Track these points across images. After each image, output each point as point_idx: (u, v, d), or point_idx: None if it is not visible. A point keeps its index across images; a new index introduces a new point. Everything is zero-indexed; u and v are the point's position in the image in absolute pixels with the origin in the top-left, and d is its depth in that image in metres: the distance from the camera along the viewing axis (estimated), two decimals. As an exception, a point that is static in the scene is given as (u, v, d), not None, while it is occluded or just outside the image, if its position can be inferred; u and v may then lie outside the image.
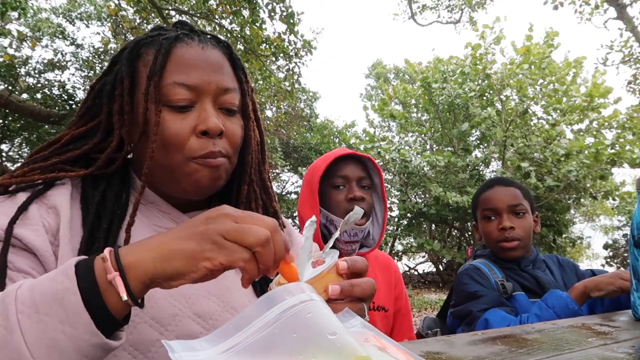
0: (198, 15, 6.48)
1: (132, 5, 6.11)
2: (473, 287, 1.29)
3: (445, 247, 7.34)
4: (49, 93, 8.79)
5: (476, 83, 6.16)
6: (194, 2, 6.51)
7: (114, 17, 7.20)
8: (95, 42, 9.78)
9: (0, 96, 6.03)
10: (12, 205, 0.61)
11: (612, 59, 9.24)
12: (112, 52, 8.27)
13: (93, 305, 0.43)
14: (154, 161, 0.65)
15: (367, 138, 7.03)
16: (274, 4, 6.01)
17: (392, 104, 7.75)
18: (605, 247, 8.92)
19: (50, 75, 9.00)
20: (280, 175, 13.03)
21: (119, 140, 0.69)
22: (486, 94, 6.20)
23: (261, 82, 7.10)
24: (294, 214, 14.35)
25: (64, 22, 9.11)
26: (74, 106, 8.55)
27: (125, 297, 0.44)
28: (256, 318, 0.39)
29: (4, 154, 9.14)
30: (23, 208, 0.60)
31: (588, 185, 5.42)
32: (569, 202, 6.31)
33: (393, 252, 8.94)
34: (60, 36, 8.85)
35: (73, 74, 9.19)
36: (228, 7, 5.86)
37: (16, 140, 9.31)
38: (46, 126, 8.38)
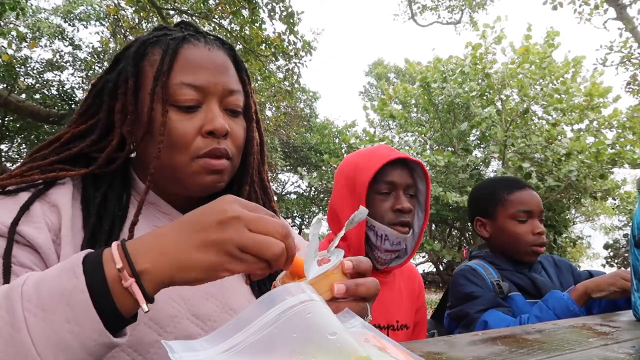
0: (197, 15, 6.48)
1: (131, 5, 6.11)
2: (469, 287, 1.29)
3: (445, 247, 7.34)
4: (47, 93, 8.80)
5: (476, 83, 6.16)
6: (194, 1, 6.51)
7: (113, 17, 7.20)
8: (95, 42, 9.79)
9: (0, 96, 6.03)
10: (14, 203, 0.61)
11: (612, 59, 9.24)
12: (111, 52, 8.27)
13: (102, 306, 0.43)
14: (159, 161, 0.65)
15: (367, 138, 7.03)
16: (274, 3, 6.01)
17: (392, 103, 7.75)
18: (606, 247, 8.92)
19: (49, 76, 9.01)
20: (280, 175, 13.03)
21: (120, 139, 0.69)
22: (486, 94, 6.20)
23: (261, 82, 7.10)
24: (294, 214, 14.34)
25: (63, 22, 9.11)
26: (73, 106, 8.55)
27: (145, 307, 0.44)
28: (256, 318, 0.39)
29: (3, 154, 9.14)
30: (26, 206, 0.60)
31: (588, 185, 5.42)
32: (569, 202, 6.31)
33: (393, 252, 8.93)
34: (59, 36, 8.85)
35: (72, 74, 9.21)
36: (228, 7, 5.86)
37: (16, 140, 9.31)
38: (45, 126, 8.39)
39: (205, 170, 0.66)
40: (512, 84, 5.89)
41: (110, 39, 8.16)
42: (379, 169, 1.17)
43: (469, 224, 1.60)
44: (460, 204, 5.34)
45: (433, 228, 9.02)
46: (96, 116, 0.70)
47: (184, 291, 0.65)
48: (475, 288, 1.28)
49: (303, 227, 15.44)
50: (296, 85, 7.41)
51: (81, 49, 9.17)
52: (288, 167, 12.56)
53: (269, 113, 9.69)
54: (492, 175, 6.66)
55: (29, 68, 8.57)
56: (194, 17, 6.61)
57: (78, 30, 9.21)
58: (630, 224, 0.92)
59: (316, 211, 13.86)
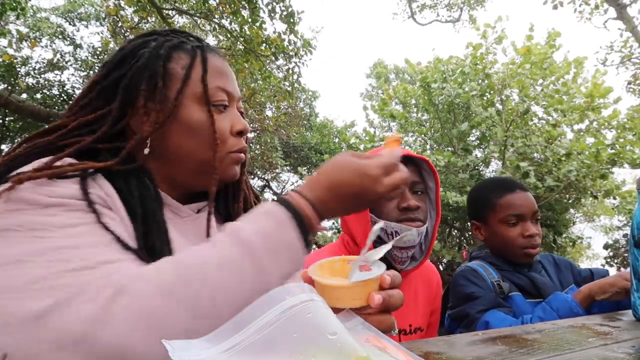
0: (198, 15, 6.48)
1: (131, 5, 6.11)
2: (470, 288, 1.29)
3: (445, 247, 7.33)
4: (48, 93, 8.80)
5: (476, 83, 6.16)
6: (194, 1, 6.51)
7: (113, 17, 7.19)
8: (95, 42, 9.78)
9: (0, 96, 6.02)
10: (68, 183, 0.59)
11: (612, 59, 9.23)
12: (110, 52, 8.27)
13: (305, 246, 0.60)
14: (190, 157, 0.71)
15: (367, 138, 7.02)
16: (274, 3, 6.00)
17: (392, 104, 7.74)
18: (606, 247, 8.92)
19: (49, 76, 9.01)
20: (280, 175, 13.02)
21: (135, 135, 0.70)
22: (486, 94, 6.20)
23: (261, 82, 7.10)
24: (294, 214, 14.31)
25: (63, 22, 9.11)
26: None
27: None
28: (256, 318, 0.39)
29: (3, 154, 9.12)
30: (84, 180, 0.61)
31: (588, 185, 5.41)
32: (569, 202, 6.31)
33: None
34: (59, 36, 8.85)
35: (72, 74, 9.21)
36: (228, 7, 5.86)
37: (16, 140, 9.30)
38: (46, 126, 8.38)
39: (235, 162, 0.76)
40: (513, 84, 5.89)
41: (111, 39, 8.16)
42: None
43: (469, 224, 1.60)
44: (460, 204, 5.34)
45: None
46: (104, 108, 0.70)
47: None
48: (475, 288, 1.28)
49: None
50: (296, 85, 7.41)
51: (82, 48, 9.17)
52: (288, 167, 12.55)
53: (269, 113, 9.69)
54: (492, 175, 6.66)
55: (29, 68, 8.57)
56: (194, 17, 6.61)
57: (78, 30, 9.22)
58: (630, 224, 0.92)
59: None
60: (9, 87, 7.16)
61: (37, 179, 0.56)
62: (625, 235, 9.14)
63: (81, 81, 9.15)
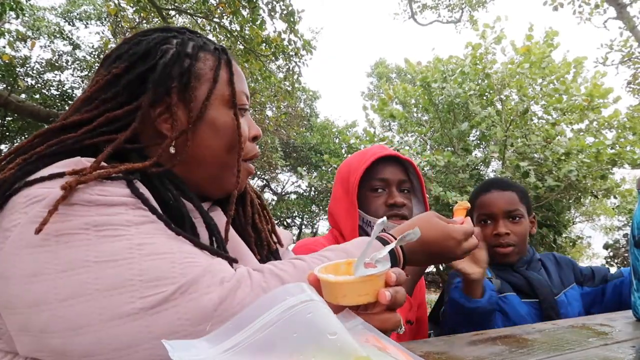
0: (198, 15, 6.48)
1: (131, 5, 6.11)
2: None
3: (445, 247, 7.33)
4: (47, 93, 8.80)
5: (476, 83, 6.16)
6: (194, 1, 6.51)
7: (113, 17, 7.19)
8: (94, 42, 9.79)
9: (0, 96, 6.02)
10: (118, 183, 0.57)
11: (612, 58, 9.23)
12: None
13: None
14: (212, 159, 0.70)
15: (367, 138, 7.02)
16: (274, 2, 6.00)
17: (392, 104, 7.74)
18: (606, 247, 8.92)
19: (49, 76, 9.01)
20: (280, 175, 13.03)
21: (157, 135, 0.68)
22: (486, 94, 6.20)
23: (261, 82, 7.10)
24: (294, 214, 14.34)
25: (62, 22, 9.12)
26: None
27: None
28: (256, 318, 0.39)
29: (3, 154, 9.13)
30: (133, 184, 0.59)
31: (588, 185, 5.41)
32: (569, 202, 6.31)
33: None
34: (58, 36, 8.86)
35: (72, 74, 9.21)
36: (228, 6, 5.86)
37: (16, 140, 9.31)
38: (45, 126, 8.39)
39: (248, 173, 0.77)
40: (512, 84, 5.89)
41: (111, 39, 8.16)
42: (369, 166, 1.21)
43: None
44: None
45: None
46: (131, 103, 0.66)
47: None
48: None
49: (303, 226, 15.44)
50: (296, 85, 7.41)
51: (80, 48, 9.17)
52: (288, 167, 12.55)
53: (269, 113, 9.69)
54: (492, 175, 6.66)
55: (28, 68, 8.57)
56: (194, 17, 6.61)
57: (77, 29, 9.22)
58: (630, 224, 0.92)
59: (316, 211, 13.87)
60: (9, 87, 7.16)
61: (88, 181, 0.54)
62: (625, 235, 9.15)
63: (80, 81, 9.15)
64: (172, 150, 0.67)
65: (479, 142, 6.93)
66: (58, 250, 0.50)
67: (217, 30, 6.60)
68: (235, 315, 0.49)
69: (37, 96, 8.69)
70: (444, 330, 1.30)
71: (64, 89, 8.95)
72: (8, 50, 7.17)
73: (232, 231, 0.75)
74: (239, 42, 6.34)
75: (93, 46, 9.27)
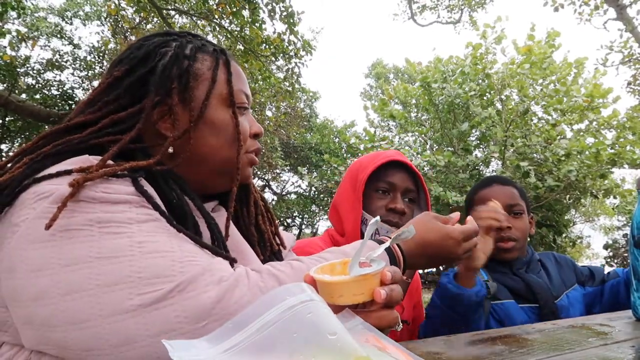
0: (198, 15, 6.48)
1: (131, 5, 6.11)
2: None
3: (445, 247, 7.33)
4: (48, 93, 8.80)
5: (476, 83, 6.16)
6: (194, 2, 6.51)
7: (113, 17, 7.19)
8: (94, 42, 9.79)
9: (0, 96, 6.02)
10: (122, 181, 0.58)
11: (612, 59, 9.23)
12: (111, 51, 8.27)
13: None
14: (216, 156, 0.72)
15: (367, 138, 7.03)
16: (274, 4, 6.00)
17: (392, 104, 7.75)
18: (605, 247, 8.93)
19: (49, 75, 9.02)
20: (280, 175, 13.03)
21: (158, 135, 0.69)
22: (486, 94, 6.20)
23: (261, 82, 7.10)
24: (294, 214, 14.35)
25: (62, 21, 9.12)
26: (73, 106, 8.54)
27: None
28: (256, 318, 0.39)
29: (3, 154, 9.14)
30: (138, 182, 0.59)
31: (588, 185, 5.42)
32: (569, 202, 6.31)
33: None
34: (58, 36, 8.86)
35: (72, 74, 9.21)
36: (228, 7, 5.86)
37: (16, 140, 9.31)
38: (46, 126, 8.39)
39: (250, 163, 0.78)
40: (512, 84, 5.89)
41: (111, 39, 8.16)
42: (380, 167, 1.22)
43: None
44: (460, 203, 5.34)
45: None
46: (134, 105, 0.67)
47: None
48: None
49: (303, 226, 15.44)
50: (296, 85, 7.41)
51: (80, 48, 9.17)
52: (288, 167, 12.55)
53: (269, 113, 9.69)
54: (492, 174, 6.66)
55: (29, 68, 8.57)
56: (194, 18, 6.61)
57: (77, 29, 9.22)
58: (630, 224, 0.92)
59: (316, 211, 13.88)
60: (9, 87, 7.16)
61: (94, 179, 0.55)
62: (625, 235, 9.15)
63: (80, 81, 9.15)
64: (170, 150, 0.68)
65: (479, 142, 6.93)
66: (62, 245, 0.51)
67: (217, 30, 6.61)
68: (232, 314, 0.49)
69: (38, 96, 8.69)
70: (427, 326, 1.23)
71: (64, 88, 8.96)
72: (9, 50, 7.18)
73: (235, 231, 0.76)
74: (239, 43, 6.34)
75: (93, 46, 9.28)
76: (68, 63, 9.07)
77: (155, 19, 6.44)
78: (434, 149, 6.83)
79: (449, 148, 6.53)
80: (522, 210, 1.35)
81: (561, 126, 5.74)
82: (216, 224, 0.68)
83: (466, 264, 1.09)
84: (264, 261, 0.77)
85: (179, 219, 0.62)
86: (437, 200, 5.71)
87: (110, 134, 0.66)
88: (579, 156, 5.13)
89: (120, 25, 7.24)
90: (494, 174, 6.48)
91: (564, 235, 6.61)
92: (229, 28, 6.47)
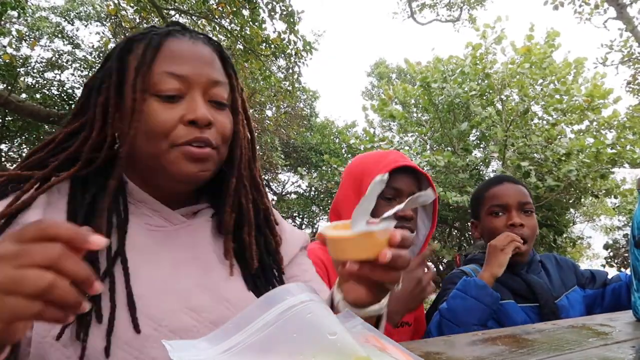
0: (198, 15, 6.48)
1: (131, 5, 6.11)
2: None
3: (445, 247, 7.34)
4: (48, 93, 8.80)
5: (476, 83, 6.16)
6: (194, 1, 6.51)
7: (113, 17, 7.19)
8: (95, 42, 9.79)
9: (0, 96, 6.02)
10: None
11: (612, 58, 9.23)
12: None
13: None
14: (139, 151, 0.66)
15: (367, 138, 7.02)
16: (274, 3, 6.00)
17: (392, 104, 7.74)
18: (606, 247, 8.92)
19: (49, 75, 9.01)
20: (280, 175, 13.02)
21: (101, 135, 0.68)
22: (486, 94, 6.20)
23: (261, 82, 7.10)
24: (294, 214, 14.33)
25: (63, 21, 9.12)
26: (73, 106, 8.53)
27: None
28: (256, 318, 0.39)
29: (3, 154, 9.14)
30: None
31: (589, 184, 5.42)
32: (569, 202, 6.31)
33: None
34: (59, 36, 8.85)
35: (72, 74, 9.21)
36: (228, 7, 5.86)
37: (16, 140, 9.30)
38: (46, 126, 8.38)
39: (185, 157, 0.65)
40: (512, 84, 5.89)
41: (111, 39, 8.16)
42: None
43: (469, 224, 1.60)
44: (460, 203, 5.34)
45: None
46: (87, 114, 0.70)
47: (178, 285, 0.66)
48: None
49: (303, 226, 15.43)
50: (296, 85, 7.41)
51: (81, 48, 9.17)
52: (288, 167, 12.55)
53: (269, 113, 9.70)
54: (492, 175, 6.66)
55: (29, 68, 8.57)
56: (194, 17, 6.61)
57: (78, 29, 9.23)
58: (630, 224, 0.92)
59: (316, 211, 13.87)
60: (9, 87, 7.16)
61: None
62: (625, 235, 9.15)
63: (81, 81, 9.15)
64: (116, 147, 0.68)
65: (479, 142, 6.93)
66: None
67: (217, 30, 6.60)
68: None
69: (38, 96, 8.69)
70: (442, 318, 1.24)
71: (65, 88, 8.96)
72: (9, 49, 7.17)
73: (206, 239, 0.73)
74: (239, 42, 6.34)
75: (93, 46, 9.28)
76: (68, 63, 9.08)
77: (155, 19, 6.43)
78: (434, 149, 6.83)
79: (449, 148, 6.52)
80: (533, 209, 1.36)
81: (561, 126, 5.74)
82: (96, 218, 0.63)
83: (490, 271, 1.18)
84: (246, 276, 0.73)
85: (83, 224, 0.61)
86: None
87: (66, 148, 0.68)
88: (579, 156, 5.13)
89: (120, 25, 7.24)
90: (494, 174, 6.48)
91: (564, 235, 6.61)
92: (229, 27, 6.46)
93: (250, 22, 5.97)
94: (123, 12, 6.65)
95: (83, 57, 9.19)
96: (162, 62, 0.66)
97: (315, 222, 15.26)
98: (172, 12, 6.57)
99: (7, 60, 6.64)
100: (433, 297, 1.41)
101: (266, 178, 12.88)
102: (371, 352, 0.42)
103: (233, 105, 0.74)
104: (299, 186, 14.23)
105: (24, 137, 9.19)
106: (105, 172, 0.67)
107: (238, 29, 6.28)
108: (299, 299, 0.40)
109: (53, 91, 8.95)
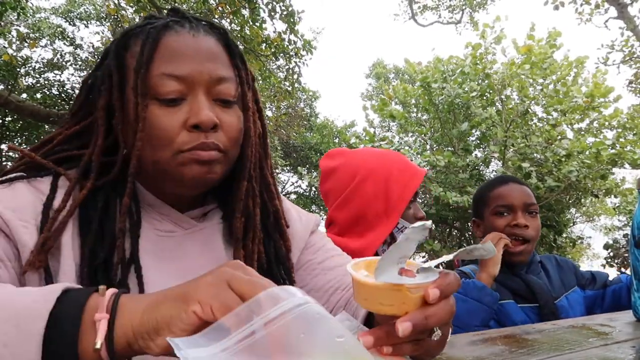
0: (198, 14, 6.48)
1: (131, 5, 6.11)
2: None
3: (445, 247, 7.33)
4: (48, 93, 8.80)
5: (476, 83, 6.16)
6: (194, 1, 6.51)
7: (113, 17, 7.20)
8: (95, 42, 9.79)
9: (0, 96, 6.03)
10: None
11: (613, 58, 9.23)
12: (112, 51, 8.23)
13: (56, 343, 0.39)
14: (144, 158, 0.62)
15: (367, 138, 7.02)
16: (274, 3, 6.01)
17: (392, 104, 7.74)
18: (606, 247, 8.91)
19: (49, 75, 9.01)
20: (280, 175, 13.01)
21: (105, 141, 0.65)
22: (486, 94, 6.20)
23: (261, 82, 7.10)
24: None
25: (63, 22, 9.12)
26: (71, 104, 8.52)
27: (99, 344, 0.39)
28: (261, 314, 0.39)
29: (3, 154, 9.14)
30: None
31: (589, 185, 5.42)
32: (569, 202, 6.31)
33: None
34: (59, 36, 8.85)
35: (72, 74, 9.21)
36: (228, 7, 5.86)
37: (16, 140, 9.30)
38: (46, 126, 8.39)
39: (192, 160, 0.61)
40: (513, 84, 5.89)
41: (111, 39, 8.15)
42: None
43: (469, 224, 1.61)
44: (460, 203, 5.34)
45: (433, 228, 8.99)
46: (90, 116, 0.67)
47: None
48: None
49: (303, 226, 15.38)
50: (296, 85, 7.41)
51: (82, 48, 9.18)
52: (288, 167, 12.55)
53: (269, 113, 9.69)
54: (492, 175, 6.66)
55: (29, 68, 8.57)
56: (194, 17, 6.60)
57: (79, 30, 9.23)
58: (630, 224, 0.92)
59: (316, 211, 13.86)
60: (9, 87, 7.16)
61: None
62: (625, 235, 9.14)
63: (81, 81, 9.15)
64: (124, 151, 0.65)
65: (479, 142, 6.93)
66: None
67: (218, 30, 6.60)
68: None
69: (38, 96, 8.69)
70: None
71: (65, 88, 8.96)
72: (9, 50, 7.17)
73: (217, 243, 0.71)
74: (239, 42, 6.34)
75: (93, 46, 9.28)
76: (69, 63, 9.08)
77: (155, 19, 6.43)
78: (434, 149, 6.83)
79: (449, 148, 6.52)
80: (537, 210, 1.37)
81: (562, 126, 5.74)
82: (104, 233, 0.61)
83: (487, 271, 1.19)
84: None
85: (97, 234, 0.60)
86: (437, 200, 5.72)
87: (65, 150, 0.66)
88: (579, 156, 5.13)
89: (120, 25, 7.24)
90: (495, 174, 6.48)
91: (564, 235, 6.61)
92: (229, 27, 6.47)
93: (250, 22, 5.97)
94: (123, 12, 6.65)
95: (84, 58, 9.19)
96: (159, 62, 0.61)
97: (315, 222, 15.22)
98: (173, 12, 6.56)
99: (7, 60, 6.64)
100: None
101: (266, 178, 12.84)
102: (377, 358, 0.42)
103: (243, 100, 0.69)
104: (299, 186, 14.23)
105: (24, 137, 9.19)
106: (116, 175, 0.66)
107: (238, 29, 6.28)
108: (305, 299, 0.39)
109: (53, 91, 8.95)
